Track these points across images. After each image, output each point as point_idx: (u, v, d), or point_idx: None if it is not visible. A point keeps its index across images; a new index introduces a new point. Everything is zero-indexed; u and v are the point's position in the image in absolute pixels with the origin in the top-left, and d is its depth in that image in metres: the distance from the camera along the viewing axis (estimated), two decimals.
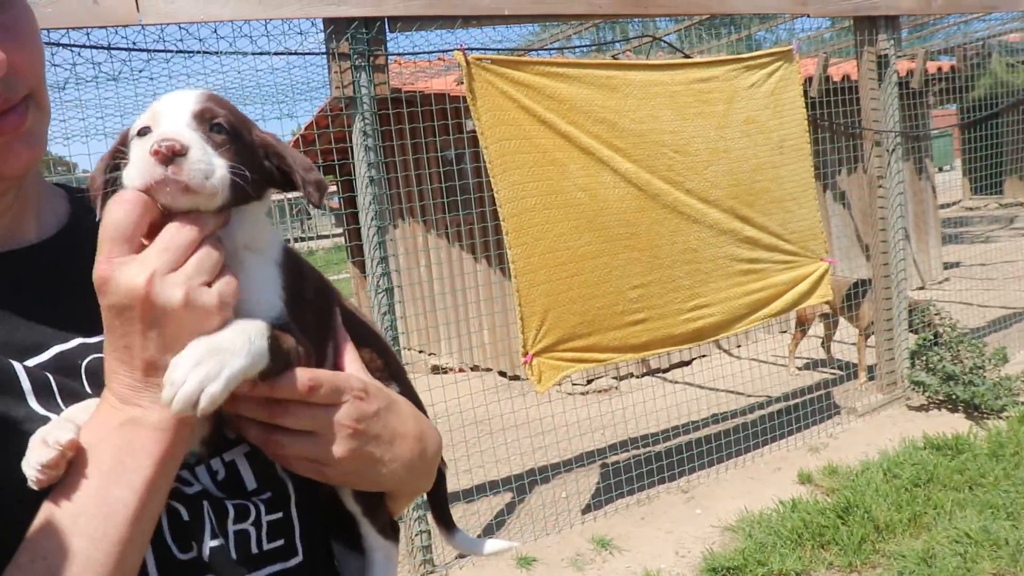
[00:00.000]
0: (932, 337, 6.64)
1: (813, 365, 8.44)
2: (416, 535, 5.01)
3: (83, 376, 0.94)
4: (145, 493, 0.82)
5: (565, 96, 4.94)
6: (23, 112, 0.91)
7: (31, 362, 0.91)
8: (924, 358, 6.64)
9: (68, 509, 0.79)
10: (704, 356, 9.21)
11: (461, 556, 5.18)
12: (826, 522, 4.82)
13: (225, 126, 0.91)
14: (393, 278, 4.97)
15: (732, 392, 7.64)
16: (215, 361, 0.81)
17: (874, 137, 6.56)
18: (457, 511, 5.72)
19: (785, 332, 9.66)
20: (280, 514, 1.03)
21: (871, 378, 7.26)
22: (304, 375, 0.93)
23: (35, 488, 0.79)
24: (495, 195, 4.75)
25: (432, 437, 1.16)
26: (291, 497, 1.05)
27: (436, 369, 10.16)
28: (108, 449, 0.82)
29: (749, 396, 7.53)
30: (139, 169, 0.86)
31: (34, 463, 0.78)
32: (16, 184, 0.98)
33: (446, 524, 1.38)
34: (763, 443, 6.33)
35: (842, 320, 7.99)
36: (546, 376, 4.91)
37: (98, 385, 0.91)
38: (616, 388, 8.59)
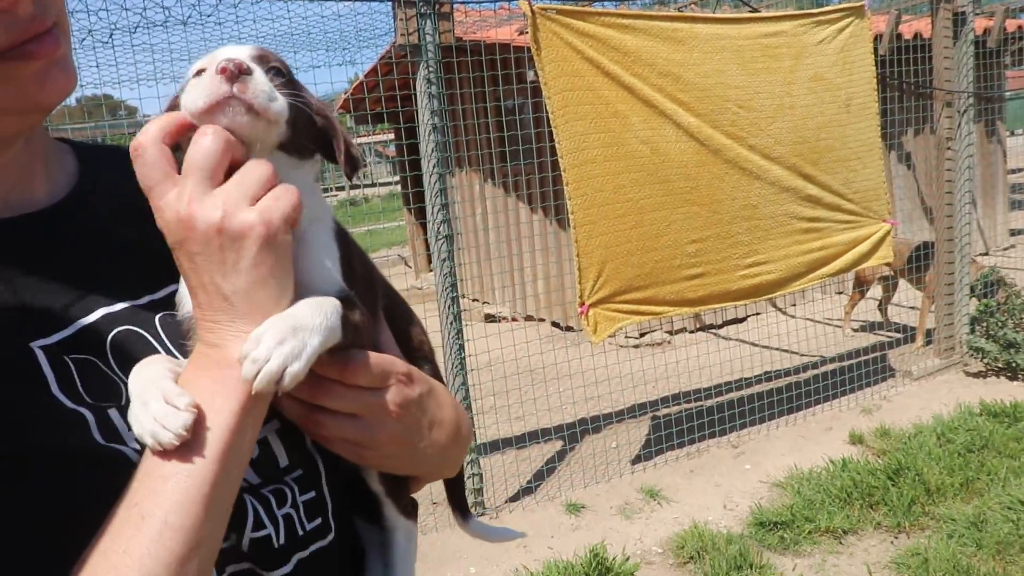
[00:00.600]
0: (994, 303, 6.54)
1: (869, 327, 8.36)
2: (468, 477, 5.13)
3: (108, 352, 0.91)
4: (232, 435, 0.81)
5: (630, 48, 4.92)
6: (57, 35, 0.85)
7: (54, 338, 0.87)
8: (985, 324, 6.55)
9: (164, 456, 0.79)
10: (758, 314, 9.17)
11: (512, 500, 5.30)
12: (876, 483, 4.83)
13: (283, 71, 0.91)
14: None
15: (785, 351, 7.61)
16: (298, 339, 0.81)
17: (945, 98, 6.41)
18: (508, 456, 5.84)
19: (841, 293, 9.57)
20: (313, 493, 1.02)
21: (929, 342, 7.18)
22: (358, 355, 0.92)
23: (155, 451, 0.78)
24: (556, 146, 4.76)
25: (465, 423, 1.15)
26: (322, 474, 1.04)
27: (489, 318, 10.27)
28: (196, 394, 0.81)
29: (802, 355, 7.50)
30: (203, 89, 0.85)
31: (177, 428, 0.77)
32: (29, 130, 0.92)
33: (461, 510, 1.35)
34: (815, 402, 6.32)
35: (901, 283, 7.89)
36: (601, 327, 4.95)
37: (124, 361, 0.89)
38: (669, 342, 8.61)
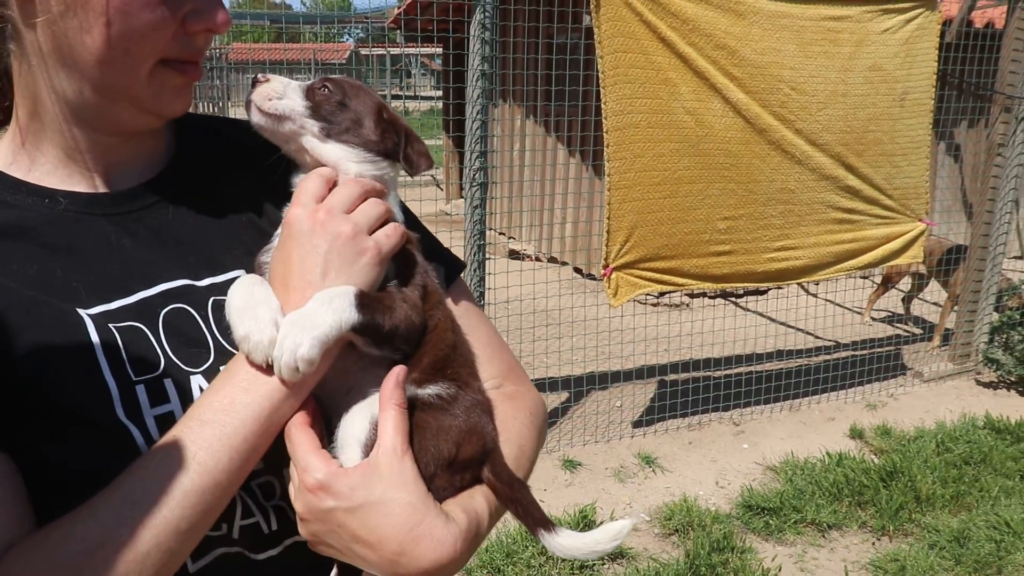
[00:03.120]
0: (1019, 316, 6.49)
1: (888, 319, 8.34)
2: None
3: (160, 324, 1.02)
4: (268, 407, 0.96)
5: (690, 15, 4.83)
6: (202, 67, 1.06)
7: (116, 304, 1.00)
8: (1005, 336, 6.52)
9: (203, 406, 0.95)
10: (780, 287, 9.15)
11: None
12: (868, 482, 4.90)
13: (331, 90, 1.13)
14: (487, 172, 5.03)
15: (800, 331, 7.63)
16: (297, 329, 0.94)
17: (1005, 102, 6.27)
18: None
19: (867, 278, 9.51)
20: None
21: (945, 345, 7.17)
22: (293, 423, 1.00)
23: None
24: (602, 106, 4.72)
25: (425, 556, 0.97)
26: None
27: (513, 254, 10.30)
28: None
29: (817, 338, 7.52)
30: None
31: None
32: (144, 129, 1.10)
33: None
34: (821, 391, 6.36)
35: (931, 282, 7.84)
36: (622, 291, 4.98)
37: (172, 335, 1.02)
38: (687, 305, 8.63)
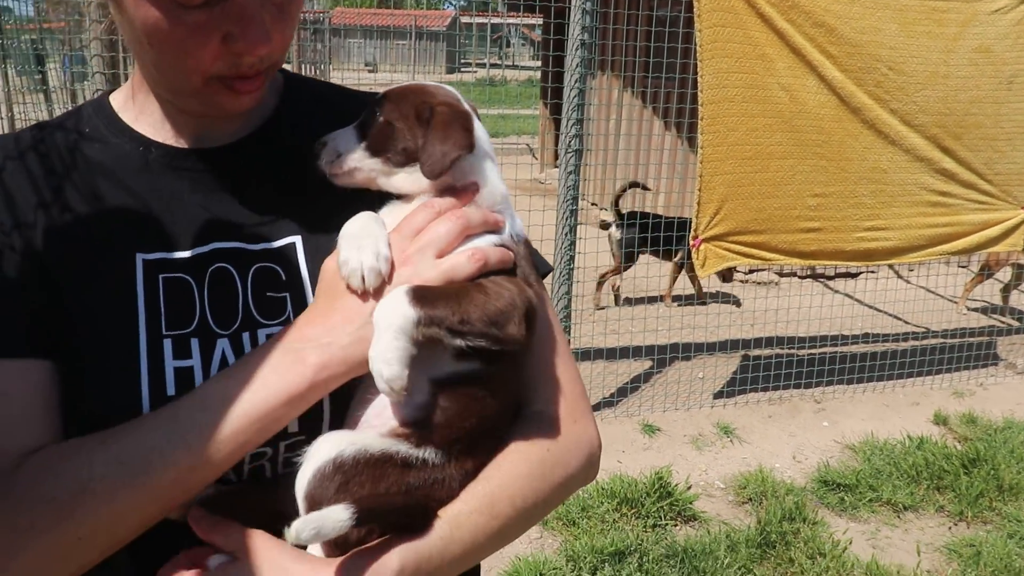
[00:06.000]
0: None
1: (985, 310, 8.16)
2: None
3: (206, 279, 1.07)
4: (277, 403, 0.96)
5: None
6: (263, 81, 1.06)
7: (175, 255, 1.06)
8: None
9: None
10: (872, 272, 9.02)
11: (593, 409, 5.54)
12: (949, 467, 4.88)
13: (378, 115, 1.13)
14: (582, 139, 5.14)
15: (889, 315, 7.55)
16: (379, 363, 0.95)
17: None
18: (597, 367, 6.08)
19: (964, 267, 9.28)
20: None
21: None
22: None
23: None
24: (699, 79, 4.78)
25: None
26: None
27: (604, 224, 10.36)
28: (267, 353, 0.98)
29: (906, 323, 7.43)
30: None
31: (371, 284, 0.99)
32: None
33: None
34: (907, 375, 6.31)
35: None
36: (710, 263, 5.06)
37: (213, 288, 1.06)
38: (776, 284, 8.60)
